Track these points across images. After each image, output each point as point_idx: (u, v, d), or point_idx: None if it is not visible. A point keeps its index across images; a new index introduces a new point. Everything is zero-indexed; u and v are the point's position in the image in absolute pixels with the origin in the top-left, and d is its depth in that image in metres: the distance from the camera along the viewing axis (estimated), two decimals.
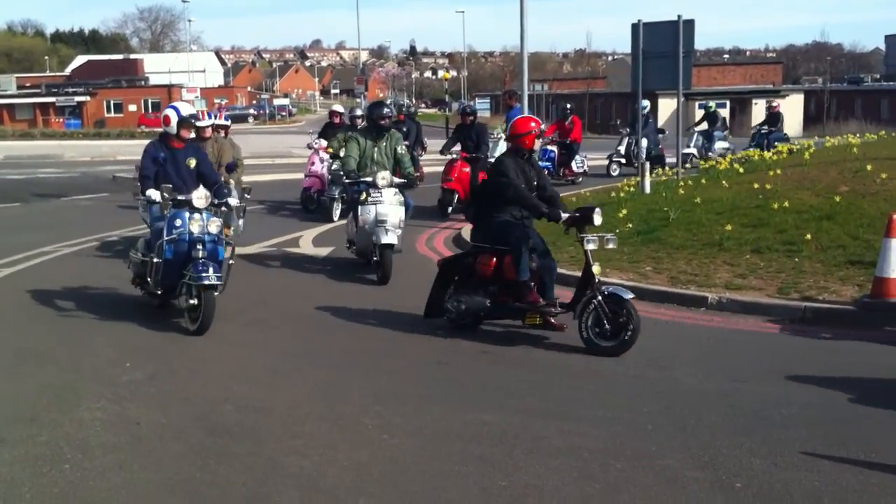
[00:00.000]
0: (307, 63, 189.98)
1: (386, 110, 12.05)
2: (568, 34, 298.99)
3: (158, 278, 9.00)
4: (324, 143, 18.00)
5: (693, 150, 26.01)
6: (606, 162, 25.43)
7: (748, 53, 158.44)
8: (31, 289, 10.59)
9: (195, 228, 8.84)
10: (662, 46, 16.91)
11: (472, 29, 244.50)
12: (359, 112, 17.13)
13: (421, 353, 8.05)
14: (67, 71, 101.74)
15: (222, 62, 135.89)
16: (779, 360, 7.75)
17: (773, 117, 27.74)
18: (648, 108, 25.52)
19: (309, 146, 19.04)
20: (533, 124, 8.75)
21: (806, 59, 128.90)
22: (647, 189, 16.43)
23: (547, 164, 21.40)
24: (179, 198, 8.90)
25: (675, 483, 5.15)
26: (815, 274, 10.16)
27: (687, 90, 19.75)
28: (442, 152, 17.37)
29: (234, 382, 7.19)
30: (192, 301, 8.64)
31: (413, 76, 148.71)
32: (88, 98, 77.90)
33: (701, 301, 9.66)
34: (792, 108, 57.90)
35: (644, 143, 21.98)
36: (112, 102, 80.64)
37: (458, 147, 17.07)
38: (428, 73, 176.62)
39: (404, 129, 18.33)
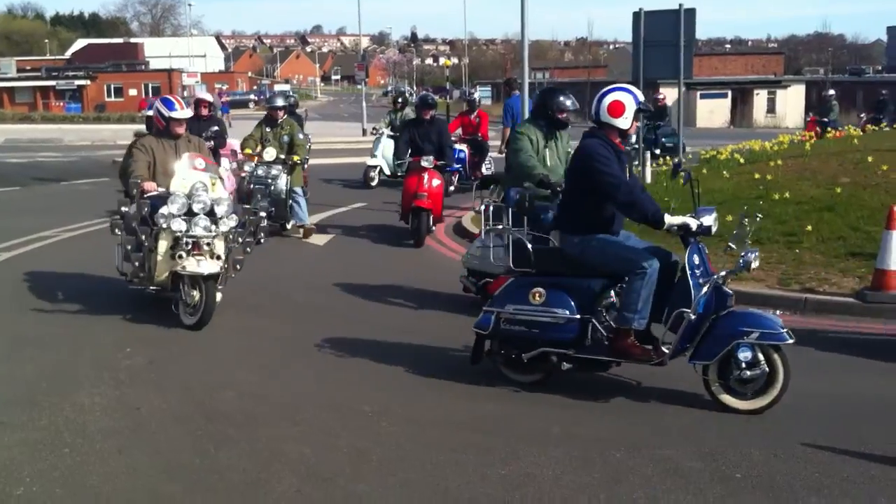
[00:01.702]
0: (308, 49, 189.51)
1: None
2: (569, 22, 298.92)
3: None
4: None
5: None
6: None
7: (750, 44, 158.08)
8: (30, 273, 10.58)
9: None
10: (664, 35, 16.86)
11: (473, 16, 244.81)
12: (280, 102, 13.87)
13: (421, 342, 8.04)
14: (67, 54, 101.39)
15: (223, 47, 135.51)
16: None
17: (660, 111, 25.21)
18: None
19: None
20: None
21: (808, 49, 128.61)
22: (648, 179, 16.41)
23: (457, 166, 17.69)
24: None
25: (675, 473, 5.16)
26: (816, 265, 10.15)
27: (688, 80, 19.72)
28: (396, 159, 13.89)
29: (234, 369, 7.20)
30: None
31: (414, 63, 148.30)
32: (89, 82, 77.63)
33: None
34: (794, 99, 57.90)
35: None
36: (112, 86, 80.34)
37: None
38: (429, 60, 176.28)
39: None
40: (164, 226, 8.23)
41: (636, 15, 17.16)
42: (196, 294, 8.34)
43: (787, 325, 6.12)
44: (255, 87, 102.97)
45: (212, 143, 12.77)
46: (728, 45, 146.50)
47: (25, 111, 63.55)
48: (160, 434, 5.78)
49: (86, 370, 7.11)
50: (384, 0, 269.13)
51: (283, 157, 13.25)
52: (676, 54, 16.65)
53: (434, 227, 13.58)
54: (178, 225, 8.21)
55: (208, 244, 8.37)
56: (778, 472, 5.15)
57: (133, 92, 78.91)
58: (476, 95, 21.11)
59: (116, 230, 8.78)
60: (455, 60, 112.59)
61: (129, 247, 8.64)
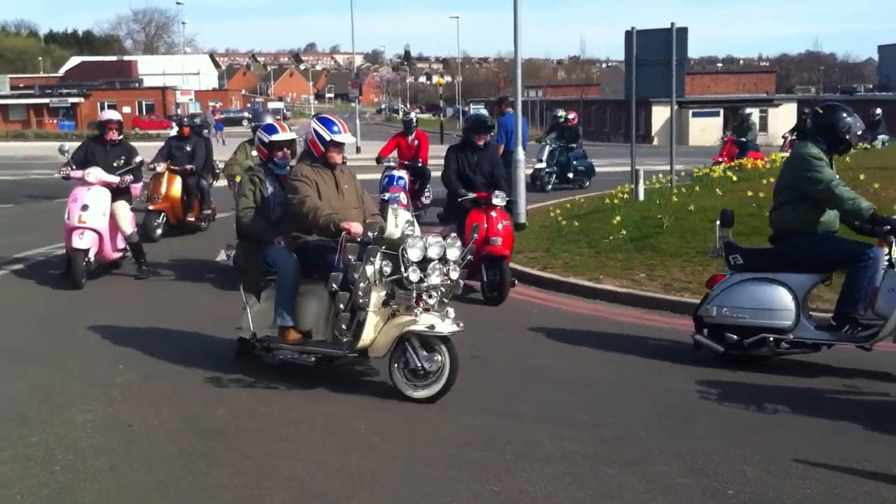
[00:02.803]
0: (302, 67, 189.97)
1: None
2: (562, 41, 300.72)
3: None
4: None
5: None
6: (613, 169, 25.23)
7: (741, 62, 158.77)
8: (22, 290, 10.57)
9: None
10: (656, 54, 16.96)
11: (466, 35, 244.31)
12: (268, 120, 10.96)
13: None
14: (61, 72, 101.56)
15: (217, 65, 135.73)
16: (774, 368, 7.76)
17: (573, 132, 24.05)
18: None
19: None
20: None
21: (799, 68, 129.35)
22: (641, 196, 16.44)
23: (397, 194, 14.51)
24: None
25: (668, 489, 5.15)
26: None
27: (680, 98, 19.84)
28: (454, 195, 10.76)
29: (226, 385, 7.17)
30: None
31: (407, 81, 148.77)
32: (82, 99, 77.71)
33: (695, 309, 9.64)
34: (785, 118, 58.13)
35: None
36: (106, 104, 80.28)
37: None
38: (423, 79, 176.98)
39: (188, 149, 15.39)
40: (408, 275, 6.70)
41: (629, 34, 17.27)
42: (439, 358, 6.75)
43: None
44: (248, 105, 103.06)
45: (120, 178, 11.23)
46: (720, 64, 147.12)
47: (19, 129, 63.59)
48: (152, 451, 5.76)
49: (78, 386, 7.09)
50: (378, 19, 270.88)
51: None
52: (669, 73, 16.75)
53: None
54: (416, 275, 6.72)
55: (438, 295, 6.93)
56: (770, 488, 5.15)
57: (127, 109, 78.84)
58: (412, 116, 17.88)
59: (243, 285, 7.67)
60: (448, 78, 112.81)
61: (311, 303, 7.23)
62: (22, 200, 21.40)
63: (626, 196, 16.52)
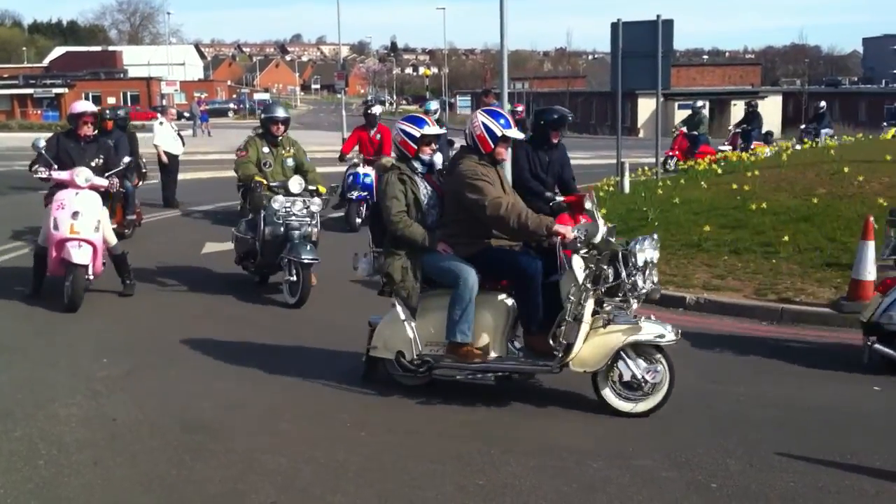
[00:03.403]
0: (288, 58, 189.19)
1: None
2: (549, 33, 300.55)
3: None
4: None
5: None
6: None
7: (727, 54, 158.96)
8: (5, 283, 10.51)
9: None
10: (642, 46, 17.00)
11: (452, 26, 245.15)
12: (281, 113, 10.68)
13: None
14: (45, 62, 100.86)
15: (202, 55, 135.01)
16: (756, 361, 7.80)
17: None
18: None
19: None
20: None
21: (784, 60, 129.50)
22: (627, 189, 16.49)
23: (364, 194, 14.81)
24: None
25: (652, 483, 5.18)
26: (792, 275, 10.22)
27: (666, 90, 19.88)
28: (538, 198, 8.99)
29: (211, 379, 7.16)
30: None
31: (394, 72, 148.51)
32: (66, 90, 77.25)
33: (679, 301, 9.70)
34: (770, 110, 58.29)
35: None
36: (90, 94, 79.96)
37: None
38: (409, 70, 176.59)
39: (110, 142, 12.05)
40: (635, 281, 6.30)
41: (615, 26, 17.29)
42: (661, 368, 6.39)
43: (764, 336, 6.16)
44: (234, 96, 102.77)
45: (110, 181, 9.87)
46: (706, 56, 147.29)
47: (3, 119, 63.25)
48: (136, 445, 5.75)
49: (62, 380, 7.06)
50: (364, 10, 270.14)
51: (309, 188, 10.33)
52: (654, 65, 16.79)
53: None
54: (643, 281, 6.36)
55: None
56: (753, 482, 5.18)
57: (111, 100, 78.43)
58: (375, 109, 16.34)
59: (399, 299, 6.74)
60: (435, 70, 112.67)
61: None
62: (6, 192, 21.26)
63: (611, 189, 16.58)
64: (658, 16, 16.73)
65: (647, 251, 6.30)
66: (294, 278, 9.71)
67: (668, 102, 54.25)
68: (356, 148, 15.98)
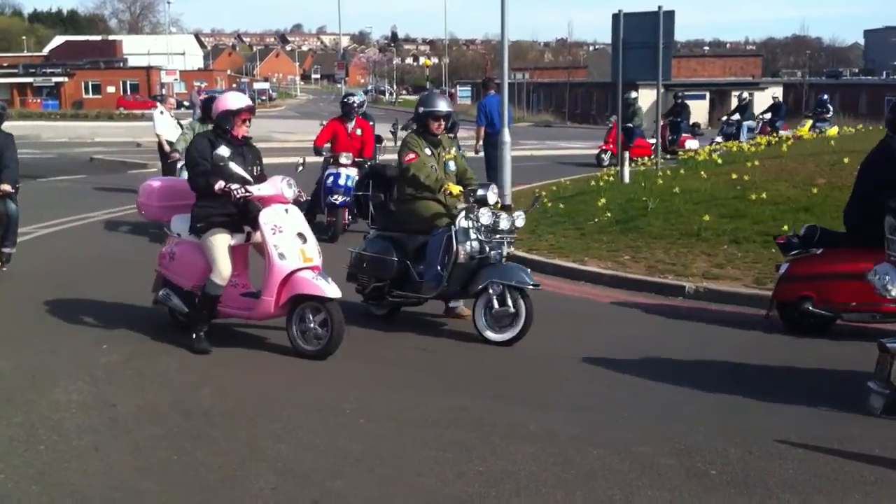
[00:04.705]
0: (288, 47, 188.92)
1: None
2: (550, 23, 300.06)
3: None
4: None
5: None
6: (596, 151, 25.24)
7: (728, 46, 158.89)
8: (5, 270, 10.50)
9: None
10: (643, 37, 16.92)
11: (453, 16, 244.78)
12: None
13: (401, 340, 8.05)
14: (45, 51, 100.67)
15: (202, 45, 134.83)
16: (754, 349, 7.81)
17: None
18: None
19: None
20: None
21: (785, 52, 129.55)
22: (627, 178, 16.47)
23: (344, 199, 12.71)
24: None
25: (651, 470, 5.19)
26: None
27: (667, 81, 19.82)
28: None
29: (211, 366, 7.17)
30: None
31: (394, 62, 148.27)
32: (66, 79, 77.21)
33: (678, 290, 9.71)
34: (771, 101, 58.22)
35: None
36: (90, 83, 79.97)
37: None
38: (409, 60, 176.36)
39: None
40: None
41: (616, 17, 17.23)
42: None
43: (762, 323, 6.17)
44: (234, 86, 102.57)
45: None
46: (707, 47, 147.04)
47: None
48: (137, 431, 5.76)
49: (63, 367, 7.07)
50: None
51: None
52: (655, 56, 16.72)
53: None
54: None
55: None
56: (752, 469, 5.19)
57: (111, 89, 78.58)
58: (354, 99, 13.94)
59: None
60: (435, 60, 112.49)
61: None
62: None
63: (611, 178, 16.56)
64: (659, 7, 16.65)
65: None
66: (512, 308, 7.80)
67: (668, 94, 54.19)
68: (328, 144, 13.75)
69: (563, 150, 32.90)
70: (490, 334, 7.86)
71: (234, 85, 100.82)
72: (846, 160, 13.52)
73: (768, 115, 27.85)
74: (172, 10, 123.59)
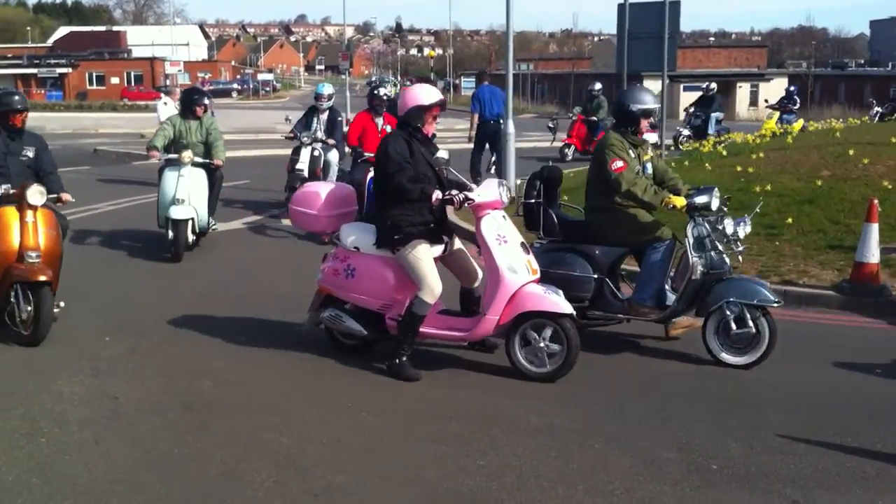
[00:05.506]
0: (292, 38, 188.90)
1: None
2: (554, 14, 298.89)
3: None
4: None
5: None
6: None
7: (733, 37, 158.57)
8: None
9: None
10: (648, 28, 16.90)
11: (458, 7, 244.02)
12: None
13: None
14: (49, 42, 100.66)
15: (206, 36, 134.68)
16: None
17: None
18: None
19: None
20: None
21: (791, 43, 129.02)
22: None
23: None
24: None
25: (653, 464, 5.18)
26: (796, 258, 10.20)
27: (672, 72, 19.77)
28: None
29: (213, 358, 7.16)
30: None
31: (398, 53, 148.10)
32: (70, 70, 77.16)
33: None
34: (776, 93, 58.05)
35: None
36: (94, 74, 79.93)
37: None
38: (413, 51, 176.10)
39: None
40: None
41: (621, 7, 17.20)
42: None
43: None
44: (238, 77, 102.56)
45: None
46: (712, 38, 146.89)
47: None
48: (138, 424, 5.76)
49: (64, 359, 7.06)
50: None
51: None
52: (661, 46, 16.70)
53: None
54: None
55: None
56: (754, 464, 5.19)
57: (115, 80, 78.53)
58: (384, 88, 13.66)
59: None
60: (439, 51, 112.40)
61: None
62: None
63: None
64: None
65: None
66: (753, 329, 7.01)
67: (673, 84, 54.06)
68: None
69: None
70: (727, 357, 7.03)
71: (238, 76, 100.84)
72: (851, 152, 13.48)
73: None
74: (177, 1, 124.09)
